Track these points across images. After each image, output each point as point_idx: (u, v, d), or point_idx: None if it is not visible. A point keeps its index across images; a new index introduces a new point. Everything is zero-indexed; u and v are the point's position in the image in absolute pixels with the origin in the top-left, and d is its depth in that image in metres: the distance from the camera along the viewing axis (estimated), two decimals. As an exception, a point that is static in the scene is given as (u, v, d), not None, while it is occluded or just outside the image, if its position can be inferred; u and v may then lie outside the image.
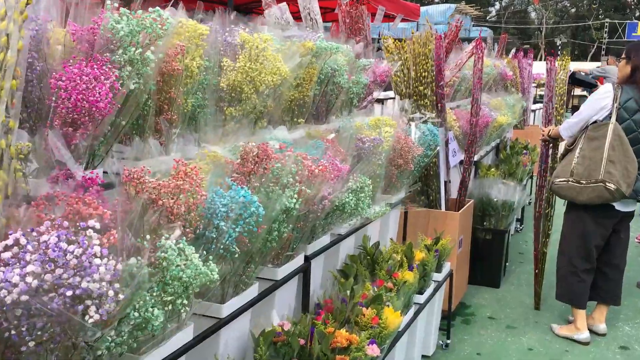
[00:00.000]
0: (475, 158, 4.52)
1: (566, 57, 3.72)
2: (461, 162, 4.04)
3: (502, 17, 48.18)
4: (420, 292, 2.68)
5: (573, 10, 50.10)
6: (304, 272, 2.12)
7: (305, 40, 2.46)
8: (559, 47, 42.52)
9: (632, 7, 46.65)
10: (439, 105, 3.62)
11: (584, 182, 3.23)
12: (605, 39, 40.18)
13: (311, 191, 1.80)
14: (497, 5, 51.56)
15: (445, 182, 3.63)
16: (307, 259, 2.11)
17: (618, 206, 3.31)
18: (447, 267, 3.08)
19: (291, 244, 1.99)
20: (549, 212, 3.71)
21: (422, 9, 21.40)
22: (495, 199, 4.14)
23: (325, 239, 2.27)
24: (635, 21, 39.10)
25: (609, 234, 3.43)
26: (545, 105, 3.57)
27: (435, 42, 3.59)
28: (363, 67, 3.12)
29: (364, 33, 3.70)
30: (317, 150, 2.17)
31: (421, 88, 3.35)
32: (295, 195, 1.68)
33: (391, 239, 2.95)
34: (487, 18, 46.87)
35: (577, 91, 13.28)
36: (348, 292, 2.21)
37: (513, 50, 8.96)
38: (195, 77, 1.77)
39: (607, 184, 3.17)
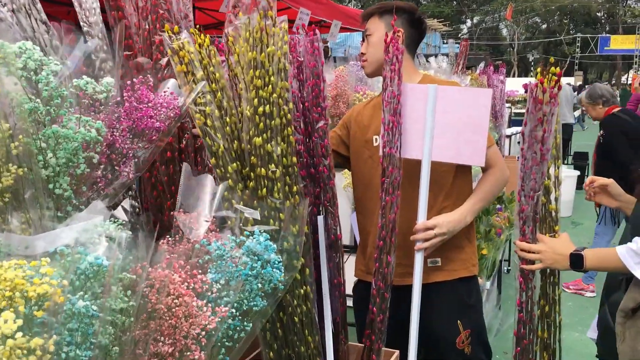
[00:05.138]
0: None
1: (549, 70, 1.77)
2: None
3: (473, 34, 47.32)
4: None
5: (544, 26, 49.49)
6: None
7: None
8: (532, 63, 41.59)
9: (602, 21, 46.16)
10: (317, 173, 1.76)
11: None
12: (577, 53, 39.35)
13: None
14: (469, 23, 50.77)
15: (338, 339, 1.74)
16: None
17: None
18: None
19: None
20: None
21: (389, 25, 19.84)
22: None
23: None
24: (608, 35, 38.38)
25: None
26: (522, 186, 1.67)
27: (309, 41, 1.74)
28: (72, 98, 1.27)
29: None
30: None
31: (258, 141, 1.48)
32: None
33: None
34: (459, 35, 45.90)
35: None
36: None
37: (481, 65, 7.24)
38: None
39: None
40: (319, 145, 1.77)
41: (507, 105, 13.30)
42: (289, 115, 1.56)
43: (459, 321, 1.87)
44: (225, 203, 1.51)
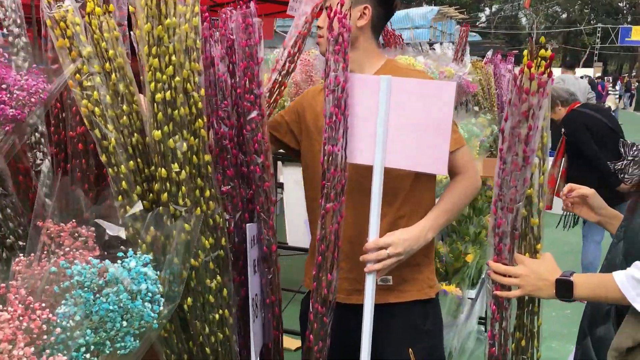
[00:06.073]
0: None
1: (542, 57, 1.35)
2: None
3: (491, 23, 46.44)
4: None
5: (564, 15, 48.43)
6: None
7: None
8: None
9: (625, 11, 45.07)
10: (250, 173, 1.48)
11: None
12: (597, 44, 38.44)
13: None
14: (487, 11, 49.82)
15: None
16: None
17: None
18: None
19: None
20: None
21: (403, 11, 19.32)
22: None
23: None
24: (629, 26, 37.39)
25: None
26: (499, 195, 1.39)
27: (241, 16, 1.45)
28: None
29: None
30: None
31: (157, 134, 1.17)
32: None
33: None
34: (477, 24, 44.99)
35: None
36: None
37: (489, 53, 6.87)
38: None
39: None
40: (251, 140, 1.49)
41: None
42: (199, 103, 1.28)
43: (410, 349, 1.59)
44: (120, 210, 1.24)
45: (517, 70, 1.36)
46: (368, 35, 1.66)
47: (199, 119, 1.28)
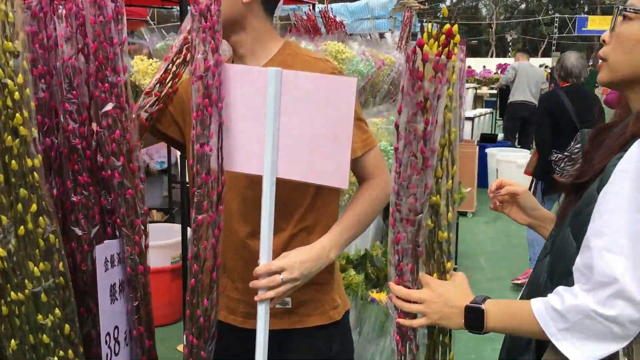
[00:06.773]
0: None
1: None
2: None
3: (452, 13, 46.63)
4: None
5: (523, 5, 49.04)
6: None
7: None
8: (510, 44, 41.24)
9: (581, 1, 45.87)
10: (112, 178, 1.21)
11: None
12: (555, 34, 38.99)
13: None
14: (448, 1, 50.07)
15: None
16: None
17: None
18: None
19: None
20: None
21: (363, 1, 19.16)
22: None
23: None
24: (585, 15, 38.01)
25: None
26: (396, 205, 1.17)
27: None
28: None
29: None
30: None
31: None
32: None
33: None
34: (438, 15, 45.12)
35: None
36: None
37: (441, 41, 6.68)
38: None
39: None
40: (107, 139, 1.22)
41: (474, 85, 12.77)
42: (16, 94, 1.00)
43: None
44: None
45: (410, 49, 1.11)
46: (258, 13, 1.40)
47: (18, 114, 1.01)
